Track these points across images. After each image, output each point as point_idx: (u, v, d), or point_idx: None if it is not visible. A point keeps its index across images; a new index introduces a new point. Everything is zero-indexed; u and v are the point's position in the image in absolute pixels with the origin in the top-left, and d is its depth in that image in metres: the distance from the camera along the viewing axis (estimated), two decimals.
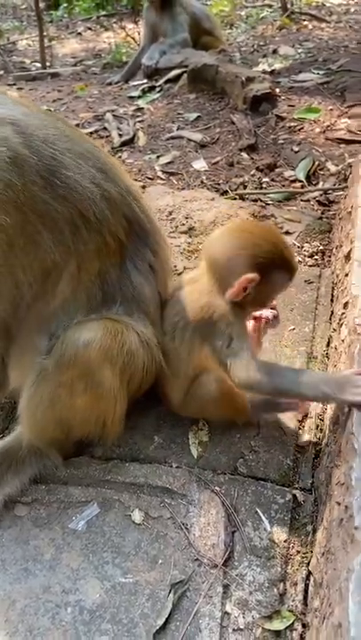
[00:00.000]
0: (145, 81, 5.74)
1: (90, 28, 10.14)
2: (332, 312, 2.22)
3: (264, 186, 3.50)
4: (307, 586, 1.46)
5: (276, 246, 1.62)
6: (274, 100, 4.42)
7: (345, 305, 1.88)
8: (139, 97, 5.35)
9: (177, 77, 5.36)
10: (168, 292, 1.81)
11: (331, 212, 3.09)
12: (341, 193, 3.10)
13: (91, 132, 4.51)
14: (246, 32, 7.82)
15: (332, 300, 2.31)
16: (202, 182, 3.60)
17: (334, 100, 4.34)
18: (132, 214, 1.66)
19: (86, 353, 1.53)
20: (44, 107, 4.83)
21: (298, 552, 1.53)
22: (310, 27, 7.30)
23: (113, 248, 1.61)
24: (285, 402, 1.79)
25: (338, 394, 1.47)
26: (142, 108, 5.02)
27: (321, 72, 4.99)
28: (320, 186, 3.41)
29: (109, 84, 6.16)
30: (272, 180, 3.56)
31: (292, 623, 1.39)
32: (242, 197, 3.32)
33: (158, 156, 4.04)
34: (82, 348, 1.53)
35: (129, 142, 4.32)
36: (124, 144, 4.29)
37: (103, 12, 9.93)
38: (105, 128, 4.64)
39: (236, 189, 3.44)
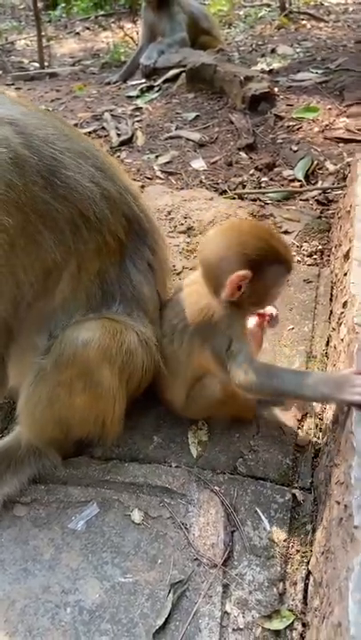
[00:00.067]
0: (143, 80, 5.73)
1: (88, 28, 10.12)
2: (332, 311, 2.22)
3: (263, 185, 3.50)
4: (306, 585, 1.46)
5: (266, 241, 1.59)
6: (272, 100, 4.43)
7: (344, 304, 1.88)
8: (137, 96, 5.34)
9: (175, 77, 5.35)
10: (167, 291, 1.80)
11: (330, 212, 3.09)
12: (340, 192, 3.10)
13: (89, 132, 4.50)
14: (245, 31, 7.82)
15: (331, 300, 2.32)
16: (201, 182, 3.60)
17: (333, 99, 4.34)
18: (131, 213, 1.66)
19: (85, 352, 1.53)
20: (42, 106, 4.82)
21: (297, 551, 1.53)
22: (309, 26, 7.30)
23: (113, 247, 1.61)
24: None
25: (337, 394, 1.47)
26: (141, 108, 5.01)
27: (319, 71, 4.99)
28: (319, 185, 3.41)
29: (108, 83, 6.15)
30: (271, 179, 3.56)
31: (292, 622, 1.39)
32: (241, 197, 3.32)
33: (157, 156, 4.03)
34: (81, 348, 1.53)
35: (127, 142, 4.32)
36: (122, 144, 4.28)
37: (101, 12, 9.92)
38: (103, 128, 4.63)
39: (234, 189, 3.44)
